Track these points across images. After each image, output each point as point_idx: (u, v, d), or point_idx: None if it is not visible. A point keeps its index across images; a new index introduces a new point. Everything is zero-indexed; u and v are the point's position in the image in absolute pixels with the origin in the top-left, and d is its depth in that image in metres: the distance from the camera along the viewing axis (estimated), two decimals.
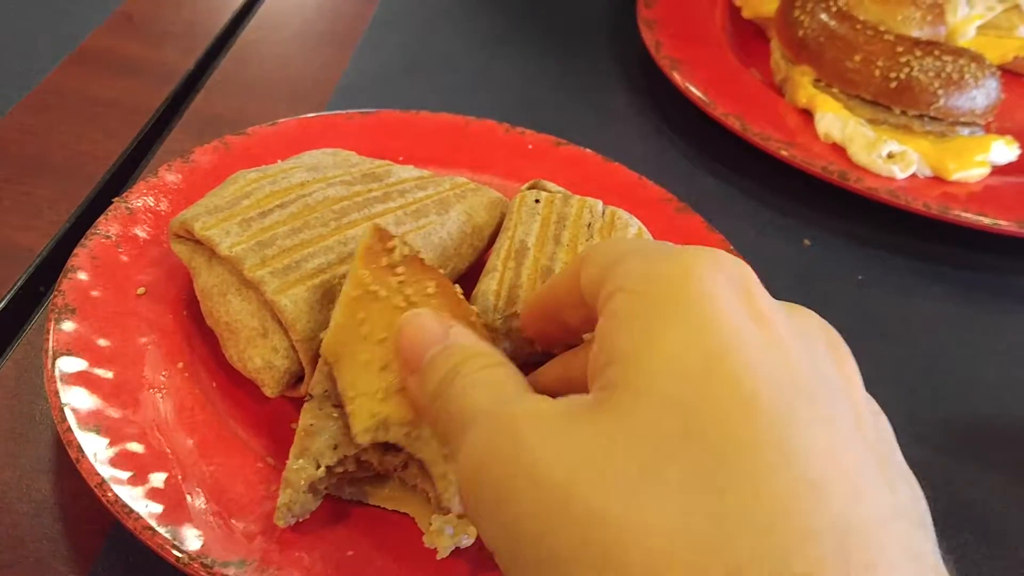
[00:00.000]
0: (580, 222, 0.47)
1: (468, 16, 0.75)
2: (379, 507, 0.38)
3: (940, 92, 0.62)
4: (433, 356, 0.32)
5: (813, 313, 0.30)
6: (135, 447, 0.37)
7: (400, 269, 0.37)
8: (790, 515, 0.22)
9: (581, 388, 0.28)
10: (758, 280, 0.28)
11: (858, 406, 0.27)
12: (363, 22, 0.71)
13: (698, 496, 0.22)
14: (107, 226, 0.44)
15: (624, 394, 0.25)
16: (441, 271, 0.42)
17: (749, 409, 0.23)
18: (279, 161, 0.49)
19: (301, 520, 0.36)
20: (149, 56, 0.63)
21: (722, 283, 0.26)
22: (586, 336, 0.35)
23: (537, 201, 0.48)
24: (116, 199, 0.46)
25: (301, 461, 0.35)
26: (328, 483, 0.36)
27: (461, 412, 0.29)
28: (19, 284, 0.46)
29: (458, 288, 0.38)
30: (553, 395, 0.28)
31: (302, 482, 0.35)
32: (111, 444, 0.37)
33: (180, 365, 0.40)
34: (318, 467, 0.35)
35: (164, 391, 0.39)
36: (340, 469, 0.36)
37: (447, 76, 0.68)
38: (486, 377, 0.30)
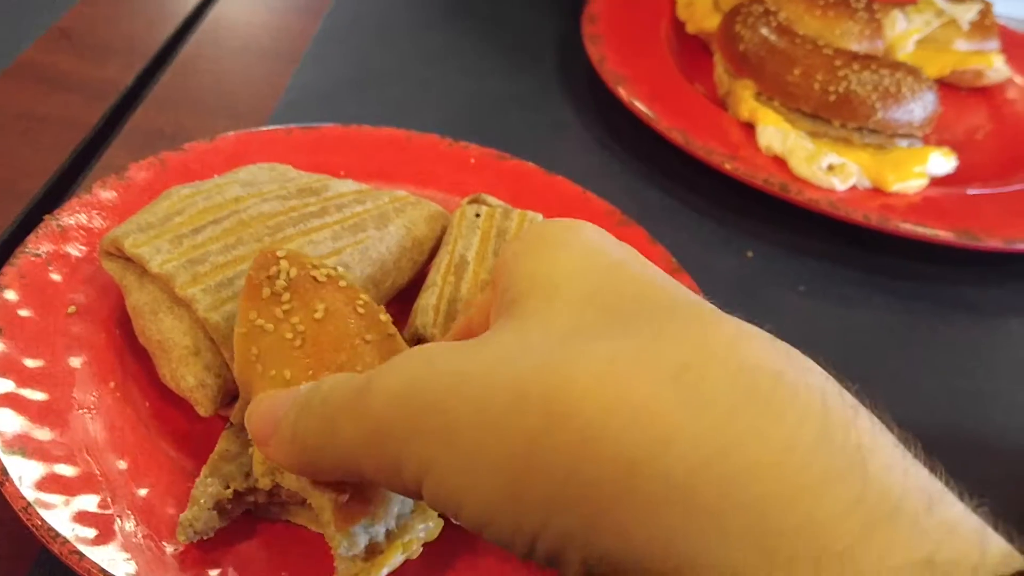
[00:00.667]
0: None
1: (412, 32, 0.75)
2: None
3: (878, 105, 0.64)
4: (287, 412, 0.29)
5: None
6: (63, 469, 0.36)
7: (285, 297, 0.35)
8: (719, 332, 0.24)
9: None
10: None
11: None
12: (307, 39, 0.70)
13: (629, 338, 0.23)
14: (37, 244, 0.44)
15: (532, 301, 0.26)
16: (364, 289, 0.42)
17: (655, 287, 0.26)
18: (215, 176, 0.49)
19: (205, 538, 0.35)
20: (87, 71, 0.62)
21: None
22: None
23: (477, 215, 0.48)
24: (47, 216, 0.45)
25: (210, 479, 0.34)
26: (237, 506, 0.35)
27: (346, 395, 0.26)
28: None
29: (363, 299, 0.36)
30: None
31: (207, 500, 0.34)
32: (37, 467, 0.36)
33: (112, 385, 0.40)
34: (227, 487, 0.34)
35: (95, 412, 0.39)
36: (251, 498, 0.35)
37: (391, 92, 0.67)
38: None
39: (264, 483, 0.33)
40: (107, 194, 0.47)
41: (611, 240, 0.29)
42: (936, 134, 0.71)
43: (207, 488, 0.34)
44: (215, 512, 0.35)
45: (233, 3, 0.74)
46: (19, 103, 0.58)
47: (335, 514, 0.29)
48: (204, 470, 0.35)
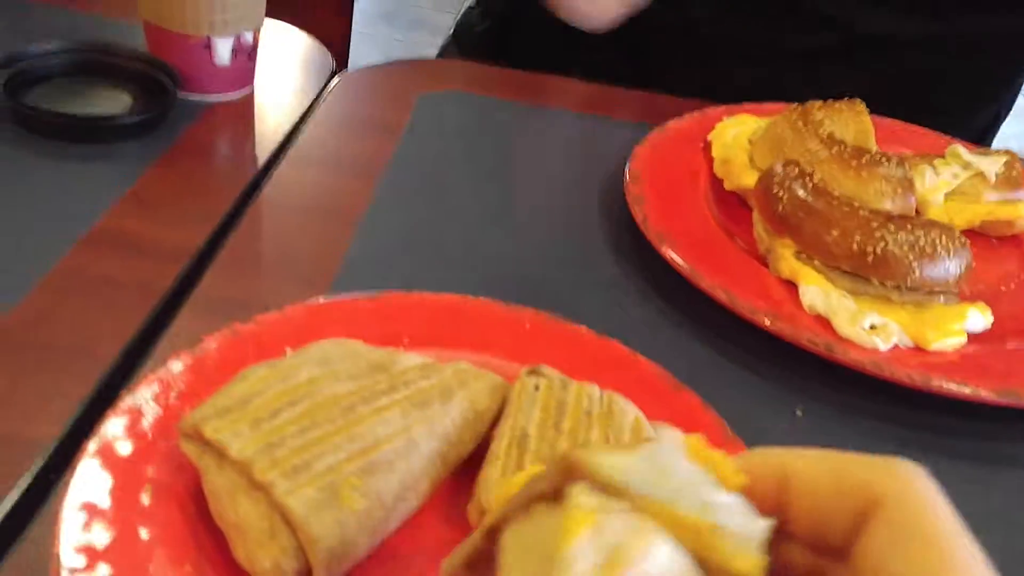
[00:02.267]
0: (579, 409, 0.48)
1: (463, 193, 0.79)
2: None
3: (915, 264, 0.66)
4: None
5: None
6: None
7: None
8: None
9: None
10: None
11: None
12: (365, 201, 0.74)
13: None
14: (113, 421, 0.45)
15: None
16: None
17: None
18: (288, 350, 0.51)
19: None
20: (159, 235, 0.66)
21: None
22: None
23: (536, 388, 0.50)
24: (123, 390, 0.47)
25: None
26: None
27: None
28: (28, 478, 0.47)
29: None
30: None
31: None
32: None
33: (187, 568, 0.41)
34: None
35: None
36: None
37: (444, 252, 0.70)
38: None
39: None
40: (180, 367, 0.50)
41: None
42: (970, 285, 0.73)
43: None
44: None
45: (292, 168, 0.78)
46: (94, 270, 0.61)
47: None
48: None
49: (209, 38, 0.80)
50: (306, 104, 0.87)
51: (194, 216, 0.68)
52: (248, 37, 0.83)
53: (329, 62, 0.95)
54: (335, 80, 0.92)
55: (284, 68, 0.93)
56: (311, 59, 0.96)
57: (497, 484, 0.45)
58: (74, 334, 0.56)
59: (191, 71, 0.81)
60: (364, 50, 1.15)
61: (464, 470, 0.49)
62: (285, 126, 0.83)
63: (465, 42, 1.21)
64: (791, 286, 0.68)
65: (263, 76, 0.88)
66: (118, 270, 0.61)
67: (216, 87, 0.84)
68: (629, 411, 0.48)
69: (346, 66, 1.07)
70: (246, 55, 0.84)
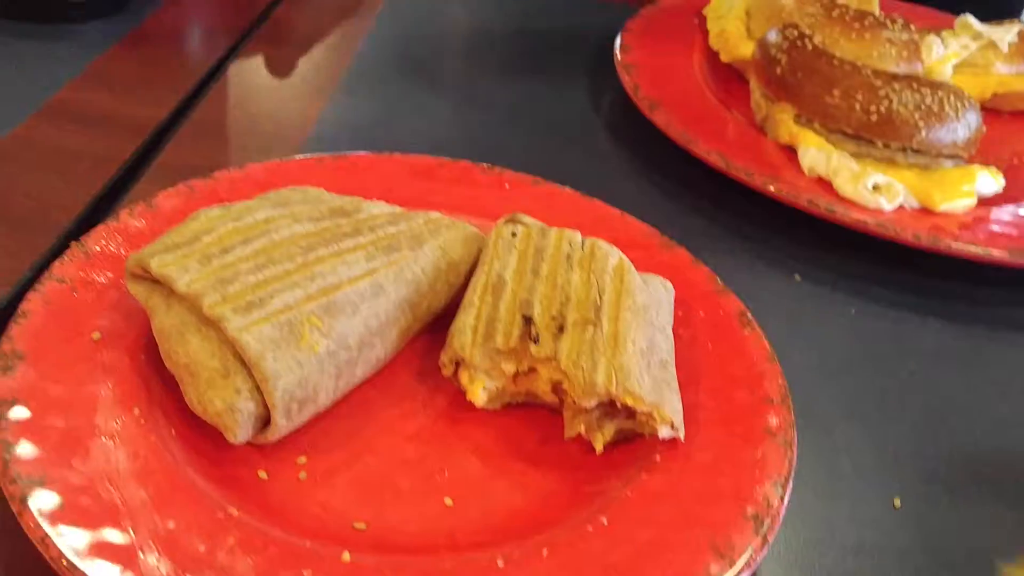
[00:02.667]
0: (559, 254, 0.45)
1: (443, 66, 0.75)
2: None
3: (921, 125, 0.62)
4: None
5: None
6: (83, 500, 0.34)
7: None
8: None
9: None
10: None
11: None
12: (338, 74, 0.70)
13: None
14: (63, 270, 0.42)
15: None
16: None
17: None
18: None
19: None
20: (121, 110, 0.62)
21: None
22: None
23: (514, 235, 0.46)
24: (74, 242, 0.44)
25: None
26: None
27: None
28: None
29: None
30: None
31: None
32: (56, 497, 0.34)
33: (136, 411, 0.38)
34: None
35: (118, 440, 0.37)
36: None
37: (421, 124, 0.67)
38: None
39: None
40: (135, 221, 0.46)
41: None
42: (979, 156, 0.69)
43: None
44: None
45: (264, 42, 0.74)
46: (53, 139, 0.58)
47: None
48: None
49: None
50: None
51: (158, 92, 0.65)
52: None
53: None
54: None
55: None
56: None
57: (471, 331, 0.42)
58: (29, 200, 0.53)
59: None
60: None
61: (438, 326, 0.46)
62: (258, 7, 0.79)
63: None
64: (790, 152, 0.64)
65: None
66: (76, 141, 0.58)
67: None
68: (612, 254, 0.45)
69: None
70: None
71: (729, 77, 0.75)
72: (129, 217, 0.46)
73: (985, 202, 0.63)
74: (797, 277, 0.58)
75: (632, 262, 0.48)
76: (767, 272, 0.58)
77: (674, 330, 0.46)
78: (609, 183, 0.64)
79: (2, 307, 0.45)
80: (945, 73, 0.76)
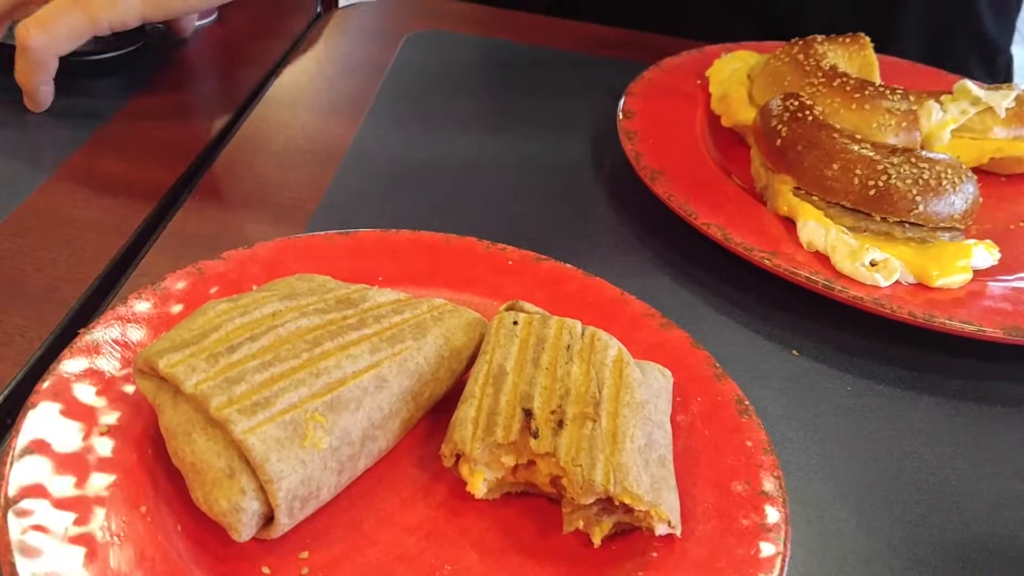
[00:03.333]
0: (559, 344, 0.46)
1: (450, 132, 0.76)
2: None
3: (919, 199, 0.63)
4: None
5: None
6: None
7: None
8: None
9: None
10: None
11: None
12: (346, 141, 0.71)
13: None
14: (69, 360, 0.43)
15: None
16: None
17: None
18: (253, 287, 0.49)
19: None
20: (130, 175, 0.63)
21: None
22: None
23: (515, 323, 0.47)
24: (81, 330, 0.45)
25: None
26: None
27: None
28: None
29: None
30: None
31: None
32: None
33: (143, 509, 0.39)
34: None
35: (124, 538, 0.38)
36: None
37: (429, 192, 0.68)
38: None
39: None
40: (143, 306, 0.47)
41: None
42: (977, 224, 0.70)
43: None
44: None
45: (273, 105, 0.75)
46: (64, 209, 0.59)
47: None
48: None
49: None
50: (289, 44, 0.84)
51: (168, 156, 0.66)
52: None
53: (313, 2, 0.92)
54: (320, 19, 0.89)
55: (265, 9, 0.90)
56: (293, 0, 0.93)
57: (472, 424, 0.43)
58: (40, 274, 0.54)
59: None
60: None
61: (440, 410, 0.47)
62: (265, 67, 0.80)
63: None
64: (789, 224, 0.65)
65: (244, 17, 0.85)
66: (86, 211, 0.59)
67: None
68: (612, 346, 0.46)
69: (337, 6, 1.03)
70: None
71: (731, 140, 0.76)
72: (136, 301, 0.47)
73: (981, 275, 0.64)
74: (795, 352, 0.59)
75: (632, 344, 0.49)
76: (766, 346, 0.59)
77: (672, 416, 0.47)
78: (610, 252, 0.65)
79: (12, 390, 0.46)
80: (944, 138, 0.77)
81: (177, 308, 0.48)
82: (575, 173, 0.73)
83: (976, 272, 0.64)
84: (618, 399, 0.43)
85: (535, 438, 0.42)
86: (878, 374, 0.58)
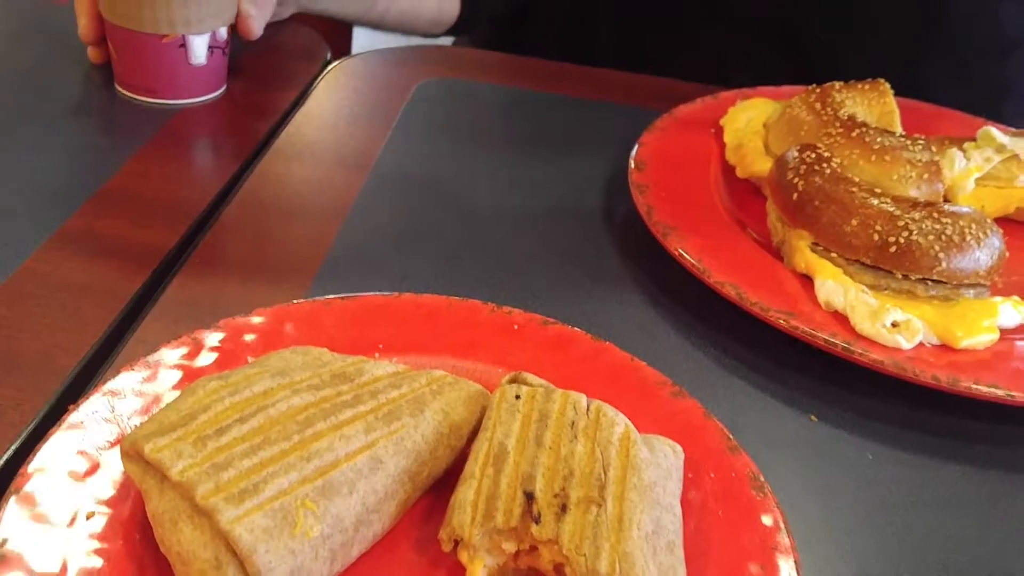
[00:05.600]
0: (563, 420, 0.44)
1: (460, 184, 0.74)
2: None
3: (942, 255, 0.60)
4: None
5: None
6: None
7: None
8: None
9: None
10: None
11: None
12: (352, 194, 0.70)
13: None
14: (57, 438, 0.42)
15: None
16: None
17: None
18: (249, 358, 0.47)
19: None
20: (127, 237, 0.62)
21: None
22: None
23: (518, 397, 0.45)
24: (71, 406, 0.44)
25: None
26: None
27: None
28: None
29: None
30: None
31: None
32: None
33: None
34: None
35: None
36: None
37: (436, 248, 0.66)
38: None
39: None
40: (134, 379, 0.46)
41: None
42: (1004, 277, 0.67)
43: None
44: None
45: (280, 158, 0.74)
46: (61, 273, 0.58)
47: None
48: None
49: (184, 37, 0.74)
50: (298, 93, 0.83)
51: (168, 217, 0.65)
52: (223, 32, 0.77)
53: (324, 50, 0.91)
54: (328, 68, 0.88)
55: (275, 58, 0.90)
56: (304, 48, 0.93)
57: (472, 507, 0.41)
58: (36, 343, 0.53)
59: (165, 74, 0.76)
60: (368, 38, 1.11)
61: (439, 487, 0.45)
62: (271, 119, 0.79)
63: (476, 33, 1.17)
64: (807, 281, 0.63)
65: (252, 66, 0.85)
66: (83, 274, 0.58)
67: (192, 90, 0.78)
68: (618, 422, 0.44)
69: (349, 53, 1.03)
70: (221, 51, 0.79)
71: (747, 191, 0.74)
72: (128, 372, 0.46)
73: (1008, 333, 0.61)
74: (813, 418, 0.57)
75: (642, 415, 0.47)
76: (782, 410, 0.57)
77: (683, 494, 0.45)
78: (622, 311, 0.63)
79: (3, 465, 0.45)
80: (967, 187, 0.75)
81: (170, 379, 0.46)
82: (586, 226, 0.71)
83: (1003, 331, 0.61)
84: (625, 481, 0.41)
85: (537, 523, 0.40)
86: (900, 440, 0.56)
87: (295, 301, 0.53)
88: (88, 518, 0.40)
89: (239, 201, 0.68)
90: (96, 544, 0.39)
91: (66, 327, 0.54)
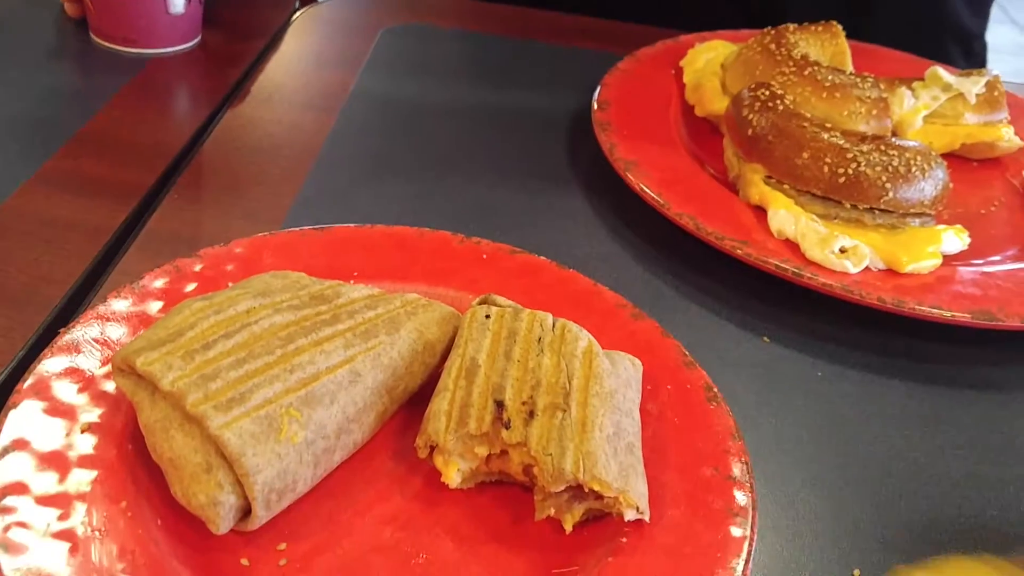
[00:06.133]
0: (530, 336, 0.47)
1: (426, 127, 0.76)
2: None
3: (889, 185, 0.64)
4: None
5: None
6: None
7: None
8: None
9: None
10: None
11: None
12: (322, 136, 0.72)
13: None
14: (50, 359, 0.44)
15: None
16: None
17: None
18: (229, 284, 0.50)
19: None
20: (110, 175, 0.64)
21: None
22: None
23: (487, 316, 0.48)
24: (61, 330, 0.46)
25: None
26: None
27: None
28: None
29: None
30: None
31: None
32: None
33: (124, 504, 0.40)
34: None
35: (105, 533, 0.39)
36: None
37: (405, 187, 0.68)
38: None
39: None
40: (121, 304, 0.48)
41: None
42: (949, 209, 0.71)
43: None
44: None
45: (251, 102, 0.76)
46: (44, 209, 0.59)
47: None
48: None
49: None
50: (267, 40, 0.85)
51: (146, 155, 0.66)
52: None
53: None
54: (295, 15, 0.89)
55: (245, 8, 0.90)
56: None
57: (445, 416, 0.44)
58: (22, 275, 0.55)
59: (144, 23, 0.77)
60: None
61: (415, 402, 0.48)
62: (243, 65, 0.80)
63: None
64: (760, 213, 0.66)
65: (224, 16, 0.85)
66: (66, 211, 0.60)
67: (170, 39, 0.79)
68: (582, 337, 0.47)
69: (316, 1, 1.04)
70: (198, 1, 0.80)
71: (705, 130, 0.77)
72: (116, 300, 0.48)
73: (951, 259, 0.65)
74: (766, 339, 0.60)
75: (603, 335, 0.50)
76: (736, 332, 0.60)
77: (642, 405, 0.48)
78: (585, 243, 0.66)
79: None
80: (916, 124, 0.78)
81: (155, 306, 0.48)
82: (551, 165, 0.74)
83: (946, 257, 0.65)
84: (587, 389, 0.44)
85: (507, 429, 0.43)
86: (848, 359, 0.60)
87: (271, 232, 0.55)
88: (83, 431, 0.42)
89: (214, 141, 0.70)
90: (91, 455, 0.41)
91: (52, 260, 0.56)
